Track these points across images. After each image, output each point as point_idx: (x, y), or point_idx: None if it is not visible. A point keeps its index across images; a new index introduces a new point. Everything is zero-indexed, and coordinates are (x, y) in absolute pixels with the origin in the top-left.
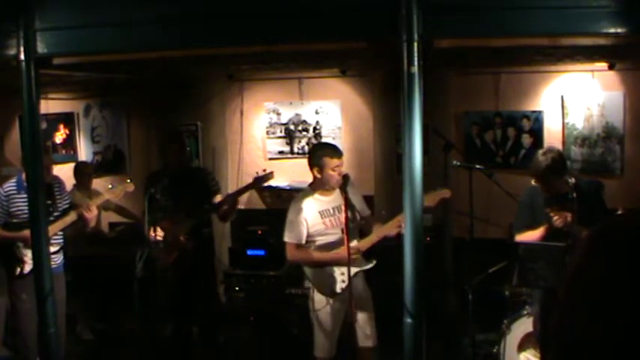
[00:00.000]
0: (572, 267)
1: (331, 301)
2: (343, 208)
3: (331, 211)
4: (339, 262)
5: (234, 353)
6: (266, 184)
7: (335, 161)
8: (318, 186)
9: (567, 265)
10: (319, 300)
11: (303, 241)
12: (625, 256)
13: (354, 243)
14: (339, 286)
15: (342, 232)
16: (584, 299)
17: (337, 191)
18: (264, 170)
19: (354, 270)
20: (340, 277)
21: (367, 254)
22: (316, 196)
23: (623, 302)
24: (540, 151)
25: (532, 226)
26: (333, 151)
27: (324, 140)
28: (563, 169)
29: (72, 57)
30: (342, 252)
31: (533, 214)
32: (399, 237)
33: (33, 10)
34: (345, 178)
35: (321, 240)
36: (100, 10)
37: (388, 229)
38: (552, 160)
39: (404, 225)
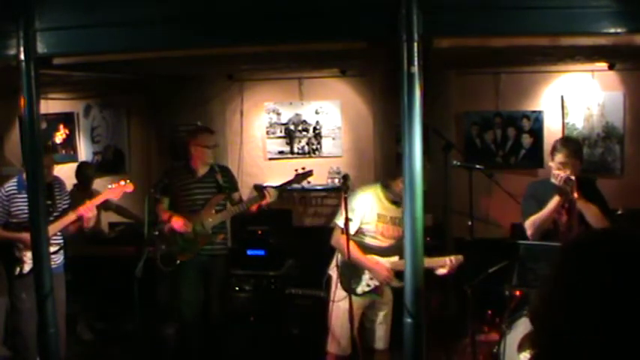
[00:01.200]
0: (549, 279)
1: (353, 297)
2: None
3: (388, 219)
4: (372, 273)
5: (234, 353)
6: (266, 184)
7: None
8: (391, 192)
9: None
10: (340, 293)
11: (352, 232)
12: (594, 275)
13: (395, 258)
14: (361, 289)
15: (394, 244)
16: (553, 312)
17: (396, 204)
18: (303, 168)
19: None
20: (367, 281)
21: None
22: (384, 198)
23: (587, 321)
24: (560, 140)
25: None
26: None
27: (324, 140)
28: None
29: (72, 57)
30: (382, 268)
31: (539, 205)
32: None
33: (33, 10)
34: (345, 178)
35: (366, 240)
36: (100, 10)
37: (431, 262)
38: (578, 143)
39: (450, 267)
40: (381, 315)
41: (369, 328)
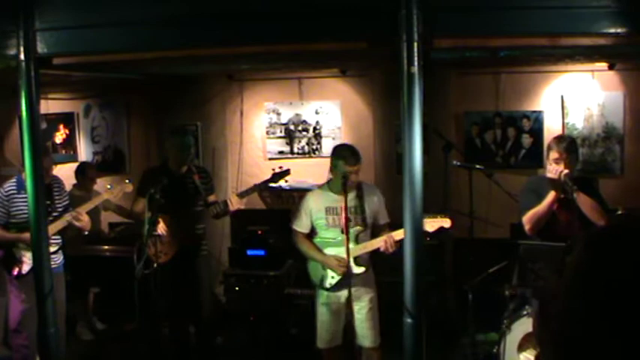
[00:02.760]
0: (572, 269)
1: (326, 293)
2: (343, 208)
3: (338, 209)
4: (325, 265)
5: (233, 353)
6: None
7: (348, 167)
8: (332, 183)
9: (566, 265)
10: (317, 290)
11: (306, 231)
12: (624, 260)
13: (351, 246)
14: (328, 282)
15: (342, 232)
16: (584, 303)
17: (353, 194)
18: (280, 167)
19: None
20: (330, 273)
21: (374, 259)
22: (329, 192)
23: (618, 307)
24: (553, 138)
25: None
26: (350, 156)
27: (324, 140)
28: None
29: (72, 57)
30: (330, 259)
31: (538, 199)
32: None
33: (33, 10)
34: (345, 178)
35: (322, 234)
36: (99, 10)
37: (374, 244)
38: (571, 140)
39: (389, 244)
40: (362, 312)
41: (354, 325)
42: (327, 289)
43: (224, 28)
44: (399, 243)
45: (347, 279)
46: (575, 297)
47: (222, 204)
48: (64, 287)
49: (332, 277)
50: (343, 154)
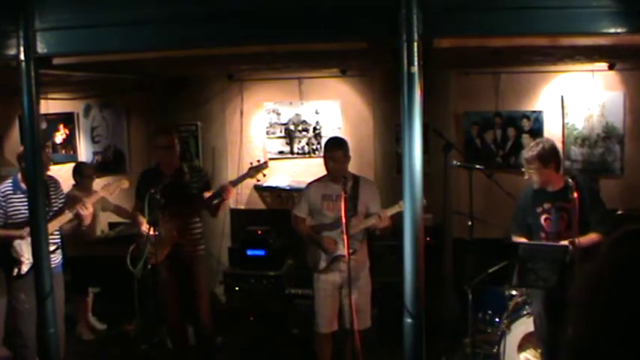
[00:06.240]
0: (593, 274)
1: (322, 276)
2: (340, 195)
3: (333, 197)
4: (320, 246)
5: (233, 353)
6: (266, 184)
7: (328, 153)
8: (331, 177)
9: (583, 271)
10: (316, 275)
11: (304, 215)
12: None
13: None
14: (321, 265)
15: (338, 216)
16: (604, 307)
17: (350, 183)
18: (258, 161)
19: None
20: (323, 256)
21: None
22: (327, 182)
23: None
24: (533, 142)
25: (522, 228)
26: (328, 144)
27: (324, 140)
28: (552, 157)
29: (72, 57)
30: (323, 238)
31: (525, 215)
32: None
33: (33, 10)
34: (345, 178)
35: (318, 219)
36: (100, 10)
37: (367, 222)
38: (542, 148)
39: (382, 217)
40: (352, 298)
41: (344, 310)
42: (321, 272)
43: (224, 28)
44: (392, 219)
45: (338, 262)
46: (593, 304)
47: (217, 193)
48: (63, 287)
49: (324, 261)
50: (326, 144)
